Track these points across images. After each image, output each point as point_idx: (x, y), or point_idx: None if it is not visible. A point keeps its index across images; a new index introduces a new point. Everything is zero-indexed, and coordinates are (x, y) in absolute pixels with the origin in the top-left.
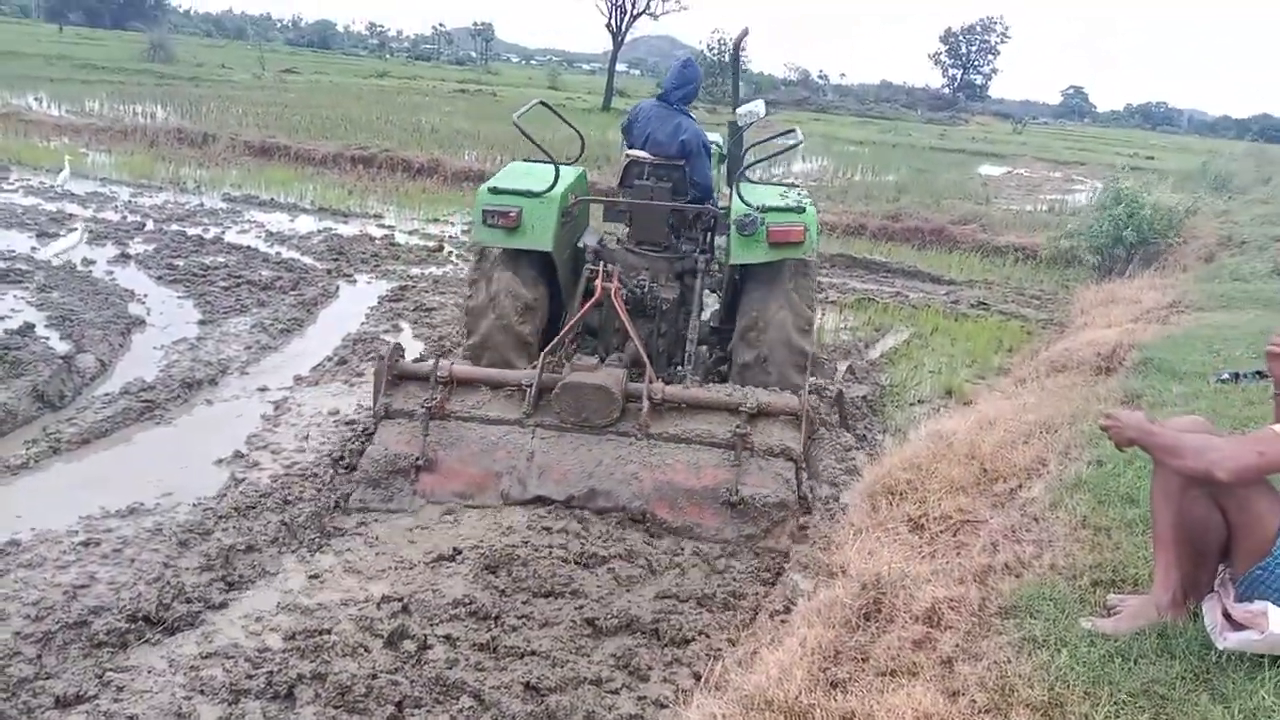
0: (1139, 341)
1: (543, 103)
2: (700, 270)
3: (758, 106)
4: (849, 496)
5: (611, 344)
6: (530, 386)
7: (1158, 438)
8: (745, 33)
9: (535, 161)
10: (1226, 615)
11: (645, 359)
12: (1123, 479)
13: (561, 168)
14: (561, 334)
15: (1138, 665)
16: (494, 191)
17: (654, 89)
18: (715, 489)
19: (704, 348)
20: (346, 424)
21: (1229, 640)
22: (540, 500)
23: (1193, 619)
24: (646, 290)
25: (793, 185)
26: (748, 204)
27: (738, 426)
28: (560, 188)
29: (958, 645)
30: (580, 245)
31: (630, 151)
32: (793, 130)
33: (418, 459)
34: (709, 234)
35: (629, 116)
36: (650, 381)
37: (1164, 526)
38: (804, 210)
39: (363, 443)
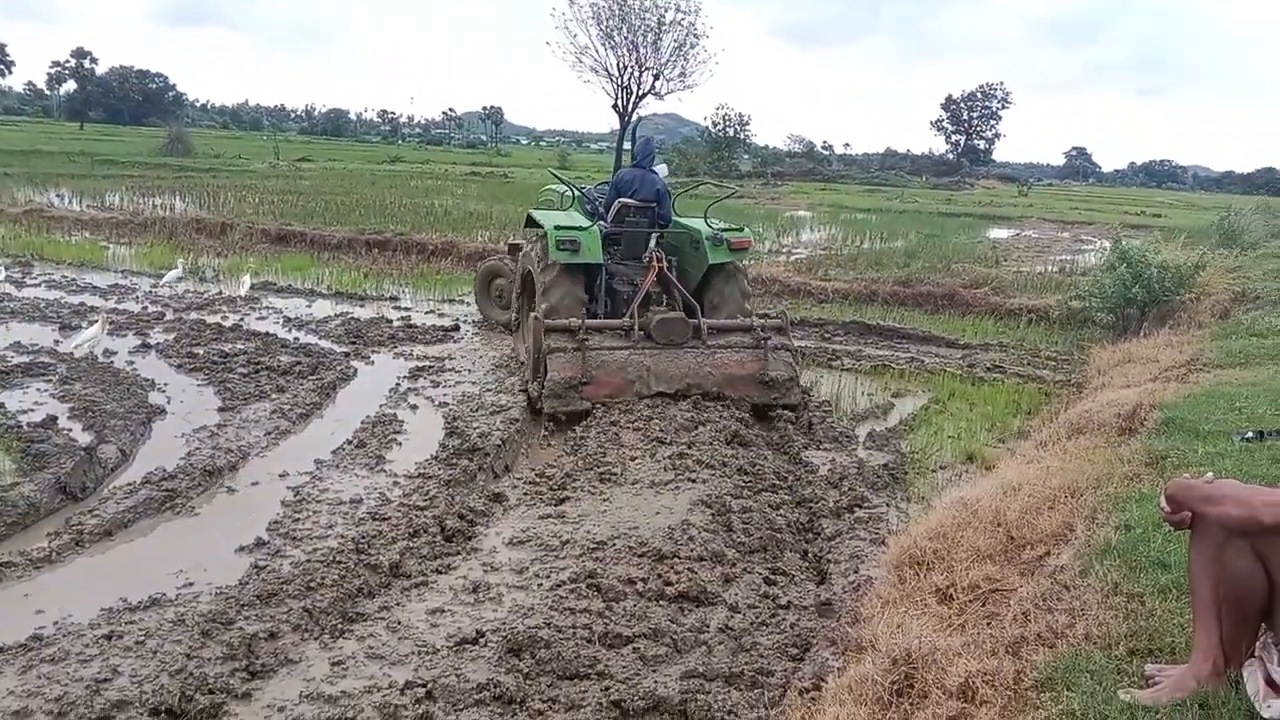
0: (1159, 401)
1: (553, 172)
2: (674, 270)
3: (662, 169)
4: (875, 569)
5: (647, 301)
6: (632, 326)
7: (1197, 488)
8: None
9: (548, 210)
10: (1270, 681)
11: (695, 303)
12: (1153, 544)
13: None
14: (637, 298)
15: None
16: (558, 228)
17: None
18: (753, 375)
19: None
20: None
21: (1273, 708)
22: (660, 395)
23: (1234, 687)
24: (636, 286)
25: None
26: (712, 227)
27: (762, 331)
28: (596, 224)
29: None
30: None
31: (620, 199)
32: (714, 184)
33: (581, 378)
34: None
35: (615, 180)
36: (700, 316)
37: (1203, 591)
38: (744, 230)
39: (528, 386)
